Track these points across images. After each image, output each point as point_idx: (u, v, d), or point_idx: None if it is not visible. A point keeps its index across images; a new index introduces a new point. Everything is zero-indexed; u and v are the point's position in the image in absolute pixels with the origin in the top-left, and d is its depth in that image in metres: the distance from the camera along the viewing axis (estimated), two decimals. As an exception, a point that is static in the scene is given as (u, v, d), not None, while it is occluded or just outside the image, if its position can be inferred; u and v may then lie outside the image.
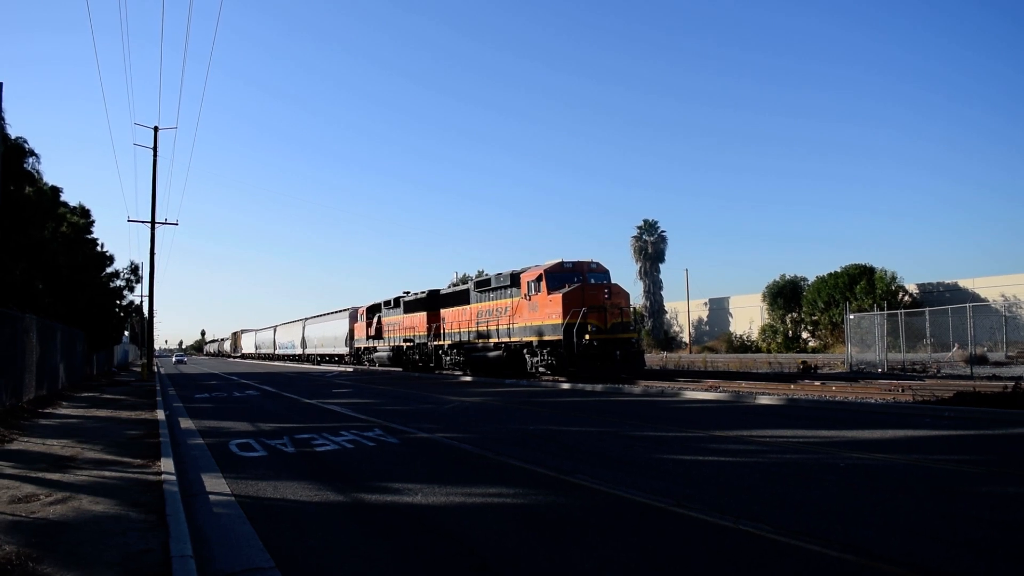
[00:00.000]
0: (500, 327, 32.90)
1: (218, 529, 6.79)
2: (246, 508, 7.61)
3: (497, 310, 33.48)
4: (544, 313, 29.13)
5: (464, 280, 49.84)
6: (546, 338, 29.04)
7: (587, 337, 26.75)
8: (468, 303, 36.94)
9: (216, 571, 5.52)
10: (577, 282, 28.65)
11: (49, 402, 20.86)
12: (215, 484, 8.99)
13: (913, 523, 6.58)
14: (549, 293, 28.81)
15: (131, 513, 7.14)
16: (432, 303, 41.63)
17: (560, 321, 27.56)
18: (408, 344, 44.66)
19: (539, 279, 29.61)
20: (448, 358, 39.51)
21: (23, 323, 18.44)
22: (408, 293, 46.28)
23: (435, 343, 40.75)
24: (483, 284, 35.67)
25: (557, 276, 29.19)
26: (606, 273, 30.02)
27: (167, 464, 9.77)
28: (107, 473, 9.57)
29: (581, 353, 26.74)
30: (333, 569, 5.64)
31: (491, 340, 33.76)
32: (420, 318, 42.60)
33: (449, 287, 41.21)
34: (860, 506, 7.24)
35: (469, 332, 36.28)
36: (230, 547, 6.17)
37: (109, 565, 5.44)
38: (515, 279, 31.99)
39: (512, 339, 31.80)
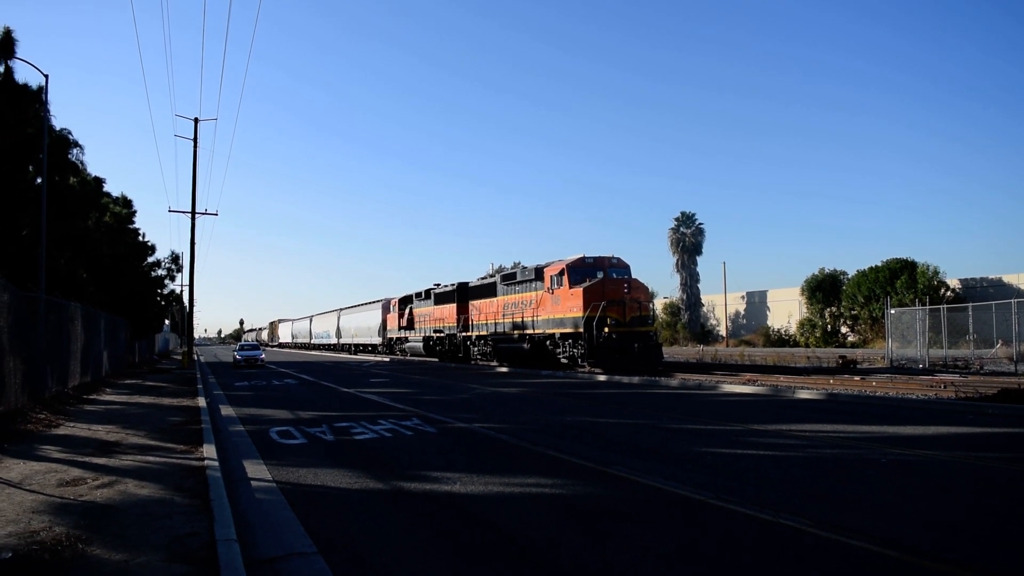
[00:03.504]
0: (525, 319, 33.71)
1: (261, 514, 6.90)
2: (287, 494, 7.71)
3: (522, 302, 34.31)
4: (566, 306, 29.94)
5: (499, 271, 50.13)
6: (567, 330, 29.82)
7: (606, 330, 27.42)
8: (495, 295, 37.76)
9: (260, 555, 5.61)
10: (598, 276, 29.41)
11: (93, 388, 21.30)
12: (256, 470, 9.12)
13: (956, 521, 6.48)
14: (571, 287, 29.67)
15: (176, 497, 7.27)
16: (461, 295, 42.47)
17: (581, 314, 28.40)
18: (438, 335, 45.53)
19: (561, 273, 30.46)
20: (476, 349, 40.35)
21: (68, 311, 18.84)
22: (438, 285, 47.11)
23: (464, 334, 41.60)
24: (509, 277, 36.62)
25: (579, 270, 30.10)
26: (627, 268, 30.74)
27: (209, 450, 9.94)
28: (151, 458, 9.76)
29: (600, 345, 27.42)
30: (374, 555, 5.69)
31: (516, 331, 34.55)
32: (450, 309, 43.51)
33: (478, 280, 41.75)
34: (902, 502, 7.14)
35: (496, 323, 37.12)
36: (273, 532, 6.27)
37: (156, 547, 5.55)
38: (539, 273, 32.92)
39: (536, 331, 32.61)
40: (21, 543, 5.69)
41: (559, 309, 30.54)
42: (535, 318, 32.72)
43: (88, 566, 5.16)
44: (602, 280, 29.01)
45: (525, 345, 33.46)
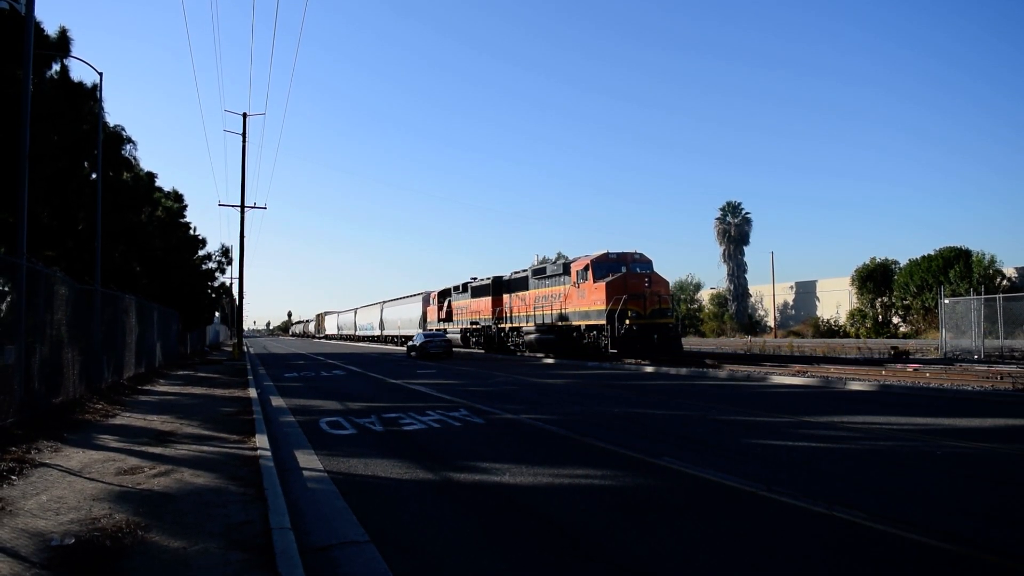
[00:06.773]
0: (554, 311, 35.41)
1: (313, 504, 6.99)
2: (339, 484, 7.81)
3: (551, 296, 36.08)
4: (591, 299, 31.71)
5: (543, 262, 50.83)
6: (593, 322, 31.54)
7: (627, 322, 29.03)
8: (527, 289, 39.53)
9: (313, 543, 5.69)
10: (621, 271, 31.17)
11: (147, 379, 21.79)
12: (308, 460, 9.24)
13: (1017, 515, 6.32)
14: (595, 281, 31.48)
15: (230, 486, 7.40)
16: (496, 288, 44.17)
17: (604, 307, 30.18)
18: (475, 326, 47.57)
19: (586, 268, 32.28)
20: (510, 340, 42.01)
21: (123, 303, 19.28)
22: (475, 279, 48.62)
23: (499, 326, 43.22)
24: (540, 272, 38.42)
25: (603, 265, 31.92)
26: (649, 263, 32.54)
27: (262, 440, 10.10)
28: (205, 448, 9.94)
29: (622, 336, 29.03)
30: (426, 544, 5.74)
31: (546, 323, 36.39)
32: (485, 303, 45.27)
33: (511, 275, 42.63)
34: (959, 495, 6.98)
35: (528, 316, 38.89)
36: (325, 521, 6.36)
37: (213, 535, 5.66)
38: (567, 268, 34.95)
39: (564, 323, 34.40)
40: (83, 530, 5.84)
41: (585, 302, 32.31)
42: (563, 311, 34.42)
43: (148, 553, 5.28)
44: (624, 275, 30.77)
45: (554, 337, 35.38)
